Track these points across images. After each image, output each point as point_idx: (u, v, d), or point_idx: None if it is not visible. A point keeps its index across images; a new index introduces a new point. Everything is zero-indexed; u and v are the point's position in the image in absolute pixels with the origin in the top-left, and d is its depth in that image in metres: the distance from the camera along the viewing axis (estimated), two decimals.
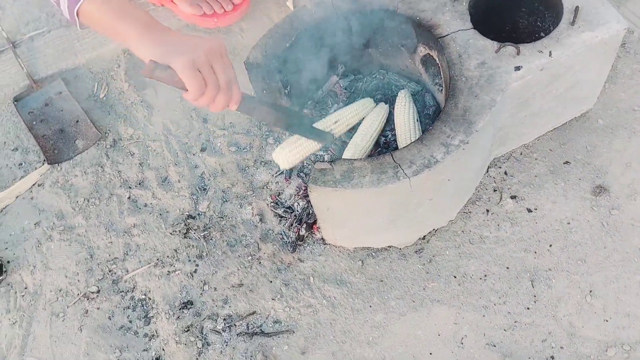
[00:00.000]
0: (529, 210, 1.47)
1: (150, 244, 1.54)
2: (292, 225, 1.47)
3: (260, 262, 1.47)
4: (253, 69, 1.39)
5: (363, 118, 1.45)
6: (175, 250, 1.52)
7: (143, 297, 1.46)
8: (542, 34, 1.44)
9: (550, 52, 1.28)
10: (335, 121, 1.41)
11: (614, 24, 1.30)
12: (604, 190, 1.47)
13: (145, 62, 1.01)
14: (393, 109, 1.47)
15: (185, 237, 1.53)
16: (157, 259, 1.51)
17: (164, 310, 1.43)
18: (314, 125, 1.35)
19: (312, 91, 1.56)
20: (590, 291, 1.36)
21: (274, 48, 1.39)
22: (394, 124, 1.46)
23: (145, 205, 1.59)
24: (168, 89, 1.77)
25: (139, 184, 1.63)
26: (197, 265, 1.49)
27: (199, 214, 1.56)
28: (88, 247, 1.55)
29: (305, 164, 1.50)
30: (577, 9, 1.31)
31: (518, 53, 1.28)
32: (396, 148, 1.44)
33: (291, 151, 1.34)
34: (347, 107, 1.46)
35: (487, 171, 1.53)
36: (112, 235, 1.56)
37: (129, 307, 1.45)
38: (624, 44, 1.66)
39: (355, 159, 1.24)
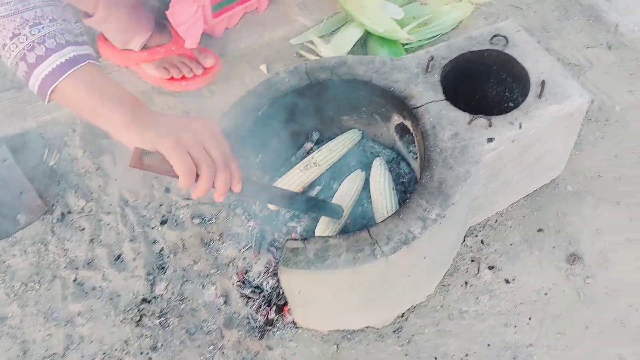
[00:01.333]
0: (507, 281, 1.43)
1: (96, 334, 1.38)
2: (260, 307, 1.36)
3: (223, 352, 1.34)
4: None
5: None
6: (126, 342, 1.36)
7: None
8: (510, 104, 1.46)
9: (520, 124, 1.28)
10: (315, 162, 1.38)
11: (578, 98, 1.33)
12: (577, 259, 1.46)
13: (130, 150, 0.93)
14: (368, 175, 1.44)
15: (137, 326, 1.38)
16: (104, 353, 1.34)
17: None
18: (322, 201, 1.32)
19: (286, 158, 1.50)
20: None
21: (245, 115, 1.34)
22: (369, 192, 1.42)
23: (94, 288, 1.45)
24: (127, 156, 1.67)
25: (88, 263, 1.48)
26: (150, 358, 1.34)
27: (155, 297, 1.42)
28: (21, 342, 1.36)
29: (276, 237, 1.42)
30: (543, 82, 1.33)
31: (490, 125, 1.28)
32: (371, 219, 1.39)
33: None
34: (331, 142, 1.45)
35: (464, 240, 1.49)
36: (51, 325, 1.39)
37: None
38: (587, 112, 1.70)
39: (330, 236, 1.17)
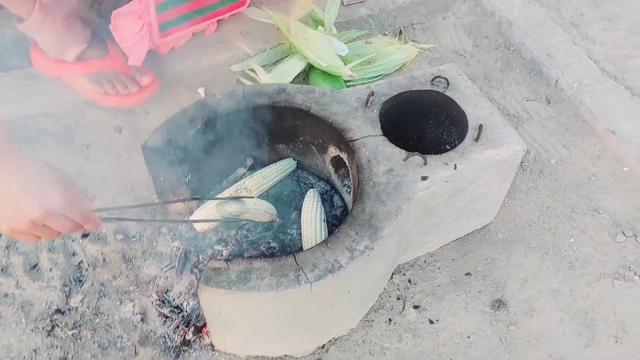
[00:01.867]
0: (431, 322, 1.43)
1: (4, 341, 1.30)
2: (178, 327, 1.31)
3: None
4: (151, 154, 1.29)
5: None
6: (35, 351, 1.29)
7: None
8: (447, 147, 1.49)
9: (455, 165, 1.30)
10: (246, 187, 1.36)
11: (514, 145, 1.36)
12: (502, 305, 1.47)
13: None
14: (300, 205, 1.41)
15: (49, 336, 1.31)
16: None
17: None
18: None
19: (216, 182, 1.47)
20: None
21: (176, 134, 1.31)
22: (298, 223, 1.40)
23: (6, 295, 1.37)
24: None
25: (2, 270, 1.40)
26: None
27: (69, 309, 1.35)
28: None
29: (200, 258, 1.38)
30: (480, 127, 1.36)
31: (425, 163, 1.29)
32: (300, 248, 1.37)
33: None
34: (265, 169, 1.44)
35: (392, 278, 1.49)
36: None
37: None
38: (522, 162, 1.75)
39: (254, 259, 1.14)
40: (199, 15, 1.80)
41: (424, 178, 1.27)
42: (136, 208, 1.13)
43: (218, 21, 1.95)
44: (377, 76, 1.93)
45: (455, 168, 1.30)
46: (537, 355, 1.39)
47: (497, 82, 1.99)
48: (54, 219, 0.90)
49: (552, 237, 1.61)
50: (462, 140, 1.36)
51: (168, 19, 1.73)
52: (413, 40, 2.07)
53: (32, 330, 1.31)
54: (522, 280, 1.52)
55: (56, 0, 1.51)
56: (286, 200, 1.49)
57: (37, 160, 0.92)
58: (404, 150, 1.31)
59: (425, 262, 1.53)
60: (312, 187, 1.49)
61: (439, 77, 1.43)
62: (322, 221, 1.36)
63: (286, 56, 1.92)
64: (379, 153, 1.31)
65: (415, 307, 1.45)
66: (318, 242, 1.31)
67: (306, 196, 1.41)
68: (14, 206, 0.87)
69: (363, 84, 1.86)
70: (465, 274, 1.52)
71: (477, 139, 1.35)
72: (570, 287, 1.52)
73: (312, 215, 1.35)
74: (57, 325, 1.32)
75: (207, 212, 1.33)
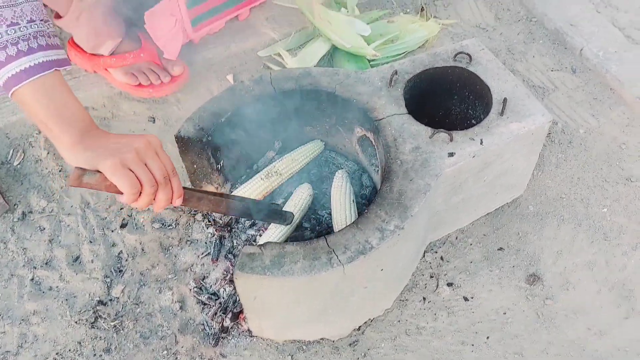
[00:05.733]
0: (466, 299, 1.43)
1: (50, 334, 1.35)
2: (216, 314, 1.34)
3: (177, 358, 1.32)
4: (184, 143, 1.32)
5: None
6: (79, 343, 1.34)
7: None
8: (473, 121, 1.48)
9: (481, 140, 1.30)
10: (276, 171, 1.39)
11: (540, 117, 1.35)
12: (537, 279, 1.46)
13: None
14: (330, 187, 1.43)
15: (92, 327, 1.36)
16: (57, 353, 1.32)
17: None
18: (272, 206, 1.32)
19: (247, 166, 1.50)
20: None
21: (208, 122, 1.34)
22: (328, 203, 1.42)
23: (50, 288, 1.42)
24: None
25: (46, 263, 1.46)
26: None
27: (111, 300, 1.40)
28: None
29: (235, 244, 1.41)
30: (505, 100, 1.35)
31: (451, 139, 1.29)
32: (331, 228, 1.38)
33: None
34: (294, 152, 1.46)
35: (424, 256, 1.49)
36: (6, 323, 1.36)
37: None
38: (550, 134, 1.73)
39: (287, 243, 1.16)
40: (229, 7, 1.83)
41: (451, 154, 1.27)
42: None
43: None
44: (400, 54, 1.93)
45: (481, 143, 1.29)
46: (576, 328, 1.39)
47: (521, 54, 1.96)
48: (153, 155, 1.02)
49: (585, 208, 1.59)
50: (487, 114, 1.35)
51: (199, 12, 1.77)
52: (435, 17, 2.05)
53: (76, 322, 1.37)
54: (556, 253, 1.51)
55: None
56: (315, 181, 1.51)
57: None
58: (429, 128, 1.31)
59: (456, 238, 1.53)
60: (341, 168, 1.50)
61: (461, 52, 1.42)
62: (352, 202, 1.37)
63: (311, 39, 1.94)
64: (405, 131, 1.31)
65: (449, 284, 1.45)
66: (349, 223, 1.32)
67: (335, 177, 1.43)
68: (121, 141, 1.01)
69: (387, 62, 1.87)
70: (498, 249, 1.52)
71: (502, 113, 1.34)
72: (606, 258, 1.50)
73: (341, 196, 1.37)
74: (100, 316, 1.37)
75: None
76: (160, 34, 1.66)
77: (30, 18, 1.00)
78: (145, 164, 1.00)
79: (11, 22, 0.98)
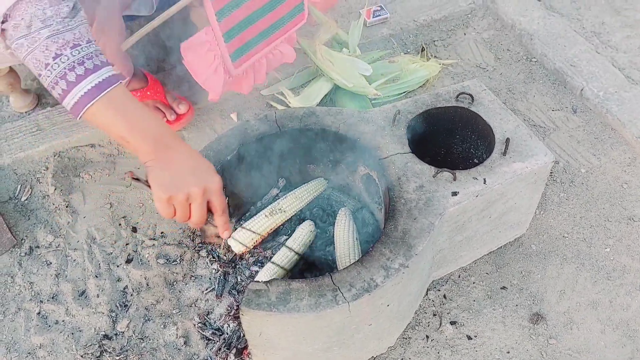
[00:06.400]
0: (469, 338, 1.43)
1: None
2: (220, 349, 1.34)
3: None
4: None
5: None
6: None
7: None
8: (475, 161, 1.51)
9: (484, 179, 1.32)
10: (280, 208, 1.41)
11: (542, 157, 1.37)
12: (541, 318, 1.46)
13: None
14: (333, 224, 1.44)
15: None
16: None
17: None
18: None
19: (251, 203, 1.52)
20: None
21: (214, 160, 1.37)
22: (331, 240, 1.43)
23: (57, 322, 1.43)
24: (97, 195, 1.69)
25: (52, 297, 1.47)
26: None
27: (116, 334, 1.41)
28: None
29: (239, 280, 1.42)
30: (507, 140, 1.37)
31: (455, 179, 1.31)
32: (331, 267, 1.40)
33: (246, 232, 1.36)
34: (297, 190, 1.48)
35: (427, 294, 1.50)
36: (13, 356, 1.37)
37: None
38: (552, 173, 1.75)
39: (293, 280, 1.17)
40: (264, 38, 1.74)
41: (455, 193, 1.29)
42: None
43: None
44: (401, 93, 1.97)
45: (484, 182, 1.31)
46: None
47: (521, 94, 2.00)
48: (202, 203, 1.10)
49: (588, 247, 1.60)
50: (489, 154, 1.38)
51: (237, 46, 1.67)
52: (435, 57, 2.11)
53: (82, 356, 1.37)
54: (559, 293, 1.51)
55: (103, 32, 1.57)
56: (318, 219, 1.52)
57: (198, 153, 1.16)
58: (433, 167, 1.33)
59: (459, 277, 1.54)
60: (344, 206, 1.52)
61: (463, 93, 1.45)
62: (355, 239, 1.39)
63: (313, 79, 1.99)
64: (408, 170, 1.33)
65: (452, 322, 1.45)
66: (352, 260, 1.33)
67: (339, 214, 1.44)
68: (182, 177, 1.08)
69: (388, 102, 1.91)
70: (501, 288, 1.52)
71: (504, 153, 1.36)
72: (610, 297, 1.50)
73: (345, 234, 1.38)
74: (106, 350, 1.38)
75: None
76: (199, 71, 1.62)
77: (88, 39, 1.06)
78: (190, 205, 1.09)
79: (73, 44, 1.03)
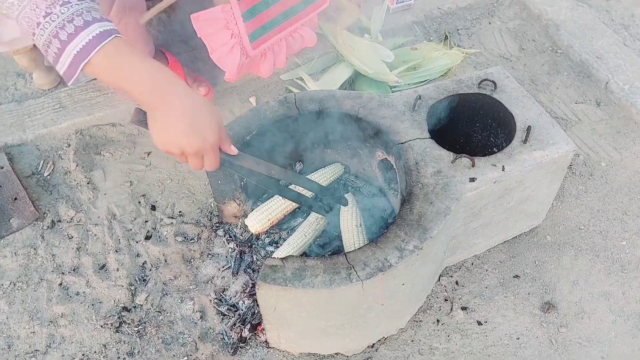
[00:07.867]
0: (479, 323, 1.44)
1: (77, 336, 1.39)
2: (235, 324, 1.37)
3: None
4: None
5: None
6: (104, 346, 1.38)
7: None
8: (494, 149, 1.50)
9: (503, 166, 1.32)
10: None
11: (563, 145, 1.36)
12: (552, 307, 1.47)
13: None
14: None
15: (117, 332, 1.40)
16: (83, 354, 1.36)
17: None
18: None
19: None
20: None
21: (233, 140, 1.38)
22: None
23: (77, 293, 1.47)
24: (117, 173, 1.72)
25: (74, 270, 1.51)
26: None
27: (135, 307, 1.44)
28: (7, 337, 1.39)
29: (254, 259, 1.44)
30: (529, 128, 1.37)
31: (473, 165, 1.31)
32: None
33: (263, 213, 1.37)
34: (314, 174, 1.48)
35: (439, 279, 1.51)
36: (35, 324, 1.41)
37: None
38: (571, 165, 1.74)
39: (308, 257, 1.19)
40: (285, 19, 1.70)
41: (472, 179, 1.29)
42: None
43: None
44: (422, 82, 1.96)
45: (503, 169, 1.31)
46: (590, 357, 1.39)
47: (544, 85, 1.98)
48: (194, 156, 1.10)
49: (603, 240, 1.59)
50: (509, 142, 1.37)
51: (256, 26, 1.63)
52: (458, 46, 2.09)
53: (101, 326, 1.41)
54: (572, 283, 1.51)
55: (125, 10, 1.57)
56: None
57: (203, 99, 1.11)
58: (451, 152, 1.34)
59: (472, 264, 1.54)
60: (348, 192, 1.53)
61: (486, 80, 1.45)
62: (358, 225, 1.40)
63: (333, 64, 1.98)
64: (427, 155, 1.34)
65: (463, 308, 1.46)
66: (357, 246, 1.35)
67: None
68: (175, 135, 1.07)
69: (409, 89, 1.90)
70: (514, 276, 1.53)
71: (525, 141, 1.36)
72: (623, 289, 1.50)
73: (348, 222, 1.40)
74: (125, 321, 1.41)
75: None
76: (214, 47, 1.58)
77: None
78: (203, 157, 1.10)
79: (63, 1, 1.02)
